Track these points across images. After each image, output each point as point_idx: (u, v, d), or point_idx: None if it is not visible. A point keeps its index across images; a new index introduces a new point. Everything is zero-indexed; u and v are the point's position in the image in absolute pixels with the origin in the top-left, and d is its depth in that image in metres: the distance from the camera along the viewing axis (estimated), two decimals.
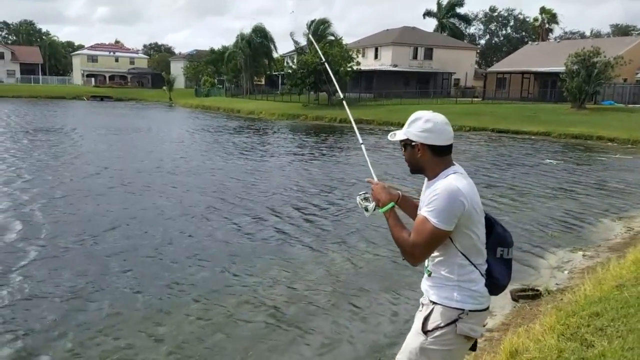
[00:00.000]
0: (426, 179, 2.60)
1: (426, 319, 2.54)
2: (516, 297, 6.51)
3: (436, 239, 2.43)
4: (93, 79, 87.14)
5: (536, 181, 15.27)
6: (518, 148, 24.06)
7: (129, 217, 10.25)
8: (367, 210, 2.73)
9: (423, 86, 54.77)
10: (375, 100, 47.50)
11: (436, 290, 2.55)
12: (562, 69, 37.50)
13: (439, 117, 2.51)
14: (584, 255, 8.26)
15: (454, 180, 2.43)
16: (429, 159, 2.51)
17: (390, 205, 2.60)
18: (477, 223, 2.49)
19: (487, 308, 2.57)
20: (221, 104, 54.82)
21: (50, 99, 64.23)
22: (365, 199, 2.76)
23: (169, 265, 7.69)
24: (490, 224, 2.60)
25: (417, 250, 2.45)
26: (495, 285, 2.54)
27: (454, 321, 2.47)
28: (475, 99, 48.87)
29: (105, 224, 9.67)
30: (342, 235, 9.39)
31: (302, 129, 33.86)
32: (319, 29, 55.18)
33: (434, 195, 2.41)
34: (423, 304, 2.64)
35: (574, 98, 36.55)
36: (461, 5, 70.99)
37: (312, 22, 56.60)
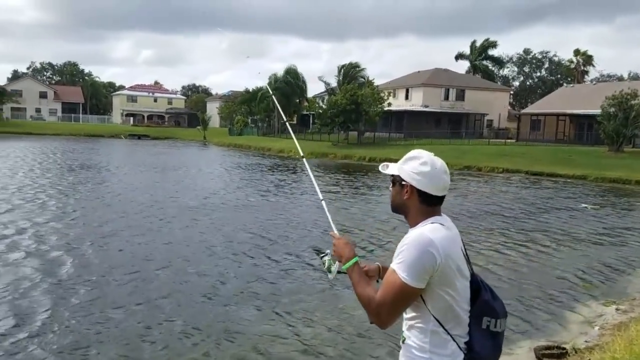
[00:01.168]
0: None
1: None
2: (540, 355, 5.96)
3: (405, 297, 2.08)
4: (132, 118, 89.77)
5: (570, 226, 14.56)
6: (552, 191, 23.24)
7: (176, 255, 10.20)
8: (330, 271, 2.36)
9: (455, 127, 54.28)
10: (405, 140, 47.20)
11: (405, 358, 2.19)
12: (598, 111, 36.60)
13: (438, 163, 2.19)
14: (617, 309, 7.61)
15: (428, 231, 2.09)
16: (414, 205, 2.19)
17: (353, 261, 2.25)
18: (454, 283, 2.11)
19: None
20: (252, 142, 55.42)
21: (89, 137, 66.21)
22: (330, 259, 2.39)
23: (217, 305, 7.55)
24: (477, 287, 2.20)
25: (383, 309, 2.09)
26: None
27: None
28: (509, 140, 48.00)
29: (154, 262, 9.66)
30: None
31: (332, 167, 33.70)
32: (350, 72, 55.78)
33: (403, 246, 2.09)
34: None
35: (611, 141, 35.46)
36: (494, 47, 70.94)
37: (343, 66, 57.34)
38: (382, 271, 2.34)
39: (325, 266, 2.38)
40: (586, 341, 6.38)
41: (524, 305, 7.86)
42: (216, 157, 42.05)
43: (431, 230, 2.09)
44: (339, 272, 2.29)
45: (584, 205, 18.82)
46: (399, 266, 2.06)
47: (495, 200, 19.58)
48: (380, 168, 2.33)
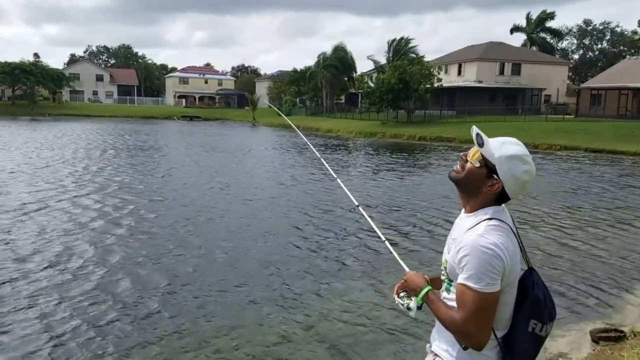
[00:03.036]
0: (463, 210, 2.12)
1: None
2: (596, 338, 5.66)
3: (488, 307, 1.91)
4: (184, 100, 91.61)
5: (631, 206, 13.79)
6: (612, 169, 22.12)
7: (243, 229, 10.57)
8: (409, 309, 2.16)
9: (510, 102, 52.48)
10: (457, 118, 46.03)
11: (439, 338, 2.11)
12: None
13: (534, 170, 2.02)
14: None
15: (489, 232, 1.93)
16: (488, 198, 2.02)
17: (424, 291, 2.09)
18: (511, 282, 1.98)
19: None
20: (301, 122, 55.27)
21: (145, 118, 68.09)
22: (406, 296, 2.20)
23: (281, 277, 7.72)
24: (530, 286, 2.03)
25: (470, 328, 1.90)
26: None
27: None
28: (568, 116, 46.04)
29: (221, 234, 10.12)
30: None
31: (380, 146, 33.26)
32: (400, 48, 54.68)
33: (463, 257, 1.92)
34: (428, 352, 2.21)
35: None
36: (552, 19, 67.79)
37: (393, 40, 56.28)
38: (431, 282, 2.18)
39: (404, 306, 2.18)
40: None
41: (583, 285, 7.51)
42: (268, 138, 42.29)
43: (492, 231, 1.94)
44: (418, 308, 2.13)
45: None
46: (468, 279, 1.90)
47: (552, 178, 18.81)
48: (474, 133, 2.03)
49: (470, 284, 1.89)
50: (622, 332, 5.66)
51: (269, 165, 22.46)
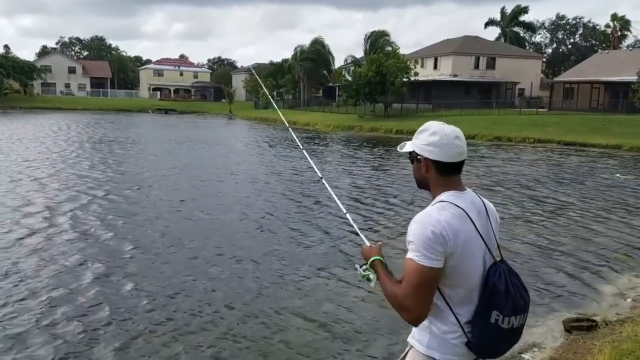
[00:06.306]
0: None
1: None
2: (569, 327, 5.80)
3: (426, 281, 1.96)
4: (159, 93, 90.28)
5: (602, 197, 14.13)
6: (584, 161, 22.60)
7: (217, 226, 10.55)
8: (369, 280, 2.17)
9: (485, 96, 53.04)
10: (433, 111, 46.40)
11: (413, 329, 2.17)
12: (634, 78, 35.27)
13: (448, 130, 2.12)
14: None
15: (435, 211, 2.04)
16: (432, 177, 2.14)
17: (372, 259, 2.15)
18: (461, 263, 2.02)
19: None
20: (278, 116, 55.19)
21: (118, 111, 66.98)
22: (368, 268, 2.20)
23: (255, 270, 7.80)
24: (492, 276, 2.06)
25: (408, 301, 1.97)
26: (477, 351, 2.06)
27: None
28: (541, 110, 46.76)
29: (196, 229, 10.10)
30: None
31: (358, 140, 33.38)
32: (377, 41, 54.73)
33: (410, 230, 2.03)
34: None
35: None
36: (525, 13, 68.65)
37: (372, 33, 56.34)
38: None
39: (365, 278, 2.18)
40: (617, 313, 6.19)
41: (554, 276, 7.65)
42: (246, 131, 42.09)
43: (439, 209, 2.04)
44: (379, 280, 2.14)
45: (618, 175, 18.27)
46: (410, 252, 2.00)
47: (527, 170, 19.15)
48: (398, 148, 2.28)
49: (411, 256, 1.97)
50: (594, 321, 5.79)
51: (262, 158, 22.46)
